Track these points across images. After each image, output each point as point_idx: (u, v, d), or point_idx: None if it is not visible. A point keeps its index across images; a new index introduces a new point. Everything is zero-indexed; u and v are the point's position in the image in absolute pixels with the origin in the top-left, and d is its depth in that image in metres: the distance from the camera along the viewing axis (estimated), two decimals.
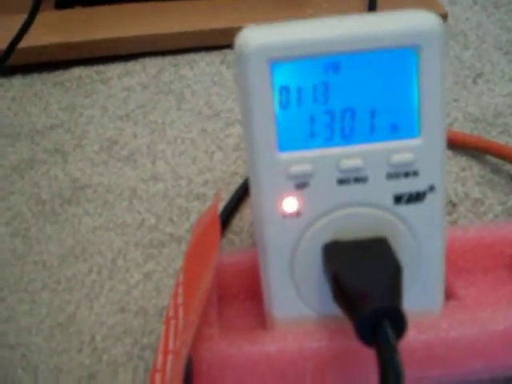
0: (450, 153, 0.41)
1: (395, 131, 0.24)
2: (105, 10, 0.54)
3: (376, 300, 0.22)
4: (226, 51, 0.51)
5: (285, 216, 0.25)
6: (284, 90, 0.24)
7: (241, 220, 0.38)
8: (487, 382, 0.29)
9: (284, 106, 0.24)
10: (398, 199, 0.25)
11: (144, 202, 0.39)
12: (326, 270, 0.25)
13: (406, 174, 0.25)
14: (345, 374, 0.27)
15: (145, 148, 0.43)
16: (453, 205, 0.38)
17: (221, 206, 0.38)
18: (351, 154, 0.25)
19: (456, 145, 0.41)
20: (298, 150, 0.25)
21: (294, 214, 0.25)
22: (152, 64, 0.51)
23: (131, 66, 0.51)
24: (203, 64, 0.50)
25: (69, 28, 0.52)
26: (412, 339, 0.26)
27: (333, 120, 0.24)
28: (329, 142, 0.25)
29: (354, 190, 0.25)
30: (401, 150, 0.25)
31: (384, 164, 0.25)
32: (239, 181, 0.40)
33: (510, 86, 0.47)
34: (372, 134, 0.25)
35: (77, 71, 0.51)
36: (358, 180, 0.25)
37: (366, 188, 0.25)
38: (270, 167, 0.25)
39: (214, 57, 0.51)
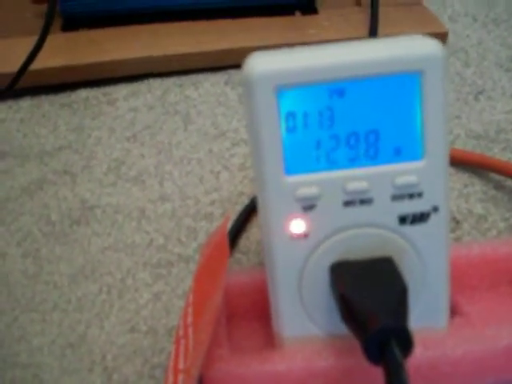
0: (452, 170, 0.42)
1: (399, 154, 0.25)
2: (110, 32, 0.54)
3: (383, 319, 0.23)
4: (231, 71, 0.52)
5: (292, 237, 0.26)
6: (290, 115, 0.24)
7: (248, 239, 0.39)
8: None
9: (290, 130, 0.25)
10: (402, 220, 0.26)
11: (152, 222, 0.40)
12: (334, 289, 0.26)
13: (411, 196, 0.26)
14: None
15: (152, 168, 0.44)
16: (456, 222, 0.39)
17: (228, 227, 0.38)
18: (357, 177, 0.25)
19: (458, 162, 0.42)
20: (305, 173, 0.25)
21: (302, 236, 0.26)
22: (157, 85, 0.52)
23: (137, 86, 0.52)
24: (208, 84, 0.51)
25: (75, 50, 0.52)
26: (418, 356, 0.27)
27: (338, 144, 0.25)
28: (335, 165, 0.25)
29: (359, 211, 0.26)
30: (405, 173, 0.25)
31: (389, 186, 0.25)
32: (246, 200, 0.41)
33: (511, 103, 0.48)
34: (377, 157, 0.25)
35: (84, 93, 0.51)
36: (363, 202, 0.26)
37: (371, 209, 0.26)
38: (278, 190, 0.25)
39: (219, 77, 0.52)
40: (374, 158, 0.25)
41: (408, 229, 0.26)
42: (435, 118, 0.25)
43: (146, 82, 0.52)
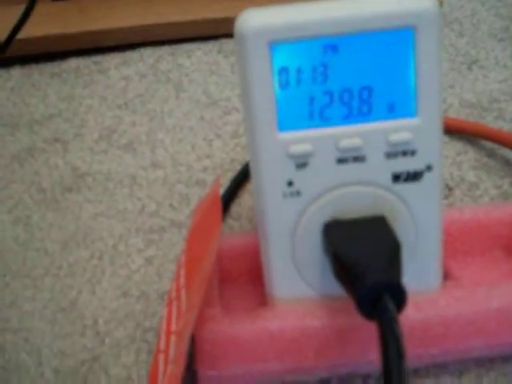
0: (446, 138, 0.42)
1: (393, 111, 0.25)
2: (101, 0, 0.54)
3: (376, 274, 0.23)
4: (223, 40, 0.52)
5: (285, 195, 0.26)
6: (283, 70, 0.24)
7: (240, 206, 0.38)
8: (485, 361, 0.29)
9: (283, 86, 0.24)
10: (396, 178, 0.26)
11: (144, 189, 0.40)
12: (326, 248, 0.26)
13: (404, 153, 0.25)
14: (345, 350, 0.27)
15: (144, 136, 0.44)
16: (449, 189, 0.39)
17: (220, 191, 0.38)
18: (350, 134, 0.25)
19: (452, 130, 0.42)
20: (298, 129, 0.25)
21: (294, 194, 0.26)
22: (149, 53, 0.51)
23: (128, 55, 0.51)
24: (200, 53, 0.51)
25: (65, 19, 0.52)
26: (410, 317, 0.27)
27: (332, 100, 0.25)
28: (328, 121, 0.25)
29: (353, 169, 0.25)
30: (399, 130, 0.25)
31: (382, 143, 0.25)
32: (238, 167, 0.40)
33: (504, 73, 0.48)
34: (370, 114, 0.25)
35: (74, 62, 0.51)
36: (356, 159, 0.25)
37: (364, 167, 0.25)
38: (270, 147, 0.25)
39: (211, 46, 0.51)
40: (367, 114, 0.25)
41: (401, 187, 0.26)
42: (429, 74, 0.24)
43: (137, 50, 0.52)
